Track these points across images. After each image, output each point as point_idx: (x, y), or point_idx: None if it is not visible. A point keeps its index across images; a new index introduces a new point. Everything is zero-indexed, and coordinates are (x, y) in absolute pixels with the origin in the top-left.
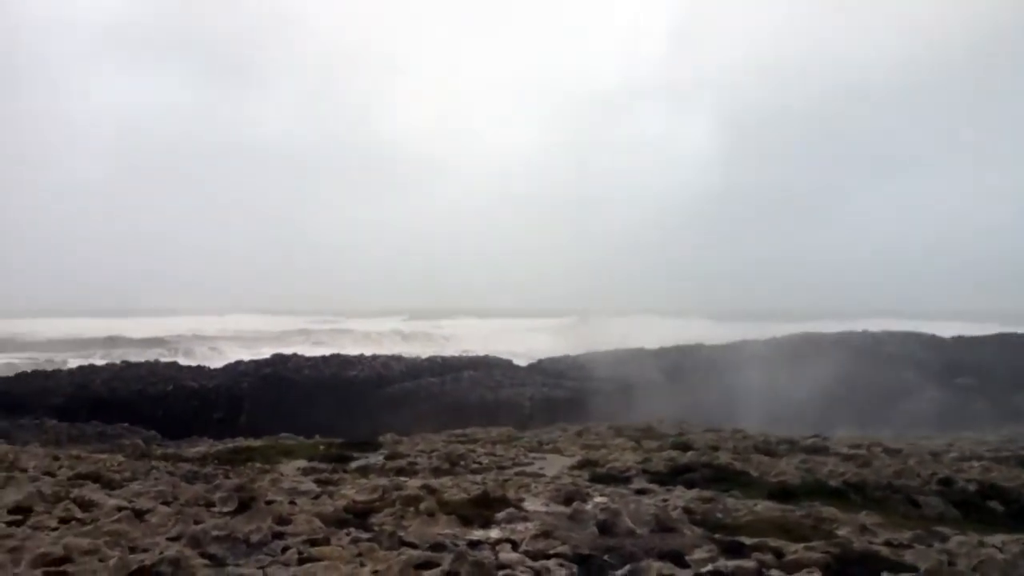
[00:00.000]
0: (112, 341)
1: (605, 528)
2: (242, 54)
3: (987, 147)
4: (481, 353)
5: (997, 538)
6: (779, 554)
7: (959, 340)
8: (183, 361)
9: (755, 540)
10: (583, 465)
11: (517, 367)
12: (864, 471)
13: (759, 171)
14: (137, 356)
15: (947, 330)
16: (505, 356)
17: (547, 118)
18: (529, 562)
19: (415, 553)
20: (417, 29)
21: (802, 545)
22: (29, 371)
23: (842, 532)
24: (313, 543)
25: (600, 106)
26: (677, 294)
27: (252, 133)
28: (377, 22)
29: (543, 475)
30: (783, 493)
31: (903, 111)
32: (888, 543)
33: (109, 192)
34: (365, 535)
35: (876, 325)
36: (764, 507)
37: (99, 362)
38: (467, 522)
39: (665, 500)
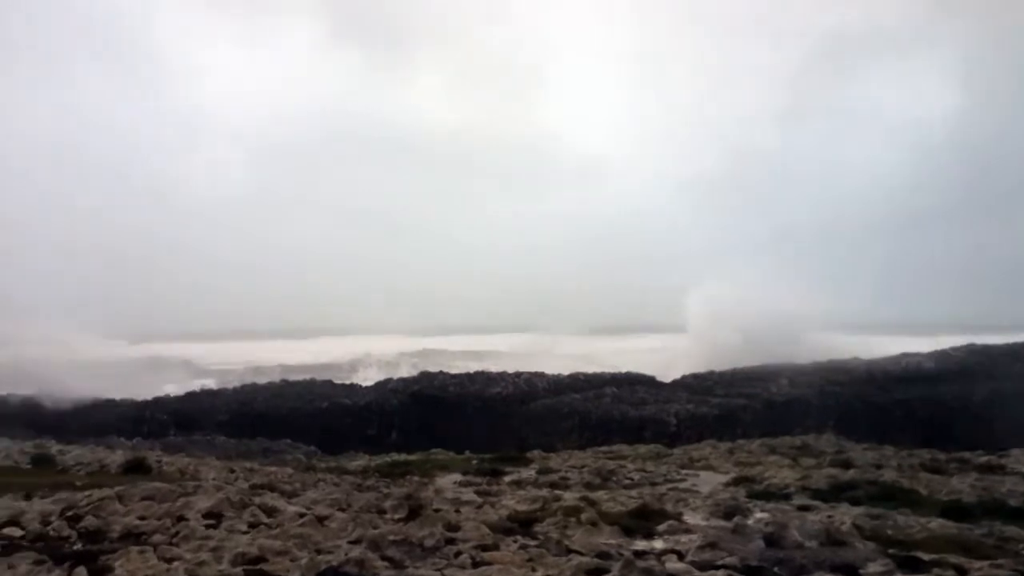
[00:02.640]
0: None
1: (772, 541)
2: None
3: None
4: (622, 370)
5: None
6: (961, 570)
7: None
8: (337, 380)
9: (933, 556)
10: (738, 482)
11: (660, 383)
12: None
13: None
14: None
15: None
16: (648, 373)
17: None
18: (697, 572)
19: (584, 559)
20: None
21: (987, 563)
22: (197, 390)
23: None
24: (484, 548)
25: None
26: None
27: (393, 119)
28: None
29: (698, 491)
30: (958, 512)
31: None
32: None
33: (243, 203)
34: (532, 542)
35: None
36: (938, 524)
37: (261, 381)
38: (629, 532)
39: (831, 516)
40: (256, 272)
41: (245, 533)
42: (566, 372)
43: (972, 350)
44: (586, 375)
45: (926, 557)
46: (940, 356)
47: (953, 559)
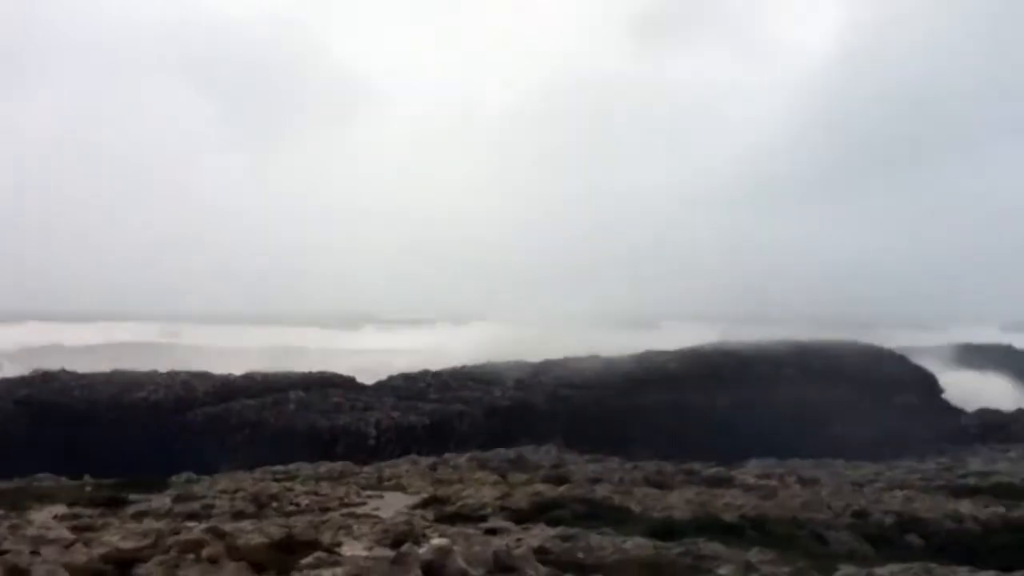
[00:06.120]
0: None
1: (431, 571)
2: None
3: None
4: (315, 369)
5: (887, 568)
6: None
7: (899, 350)
8: None
9: None
10: (428, 503)
11: (362, 386)
12: (766, 504)
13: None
14: None
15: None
16: (347, 372)
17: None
18: None
19: None
20: None
21: None
22: None
23: (723, 571)
24: None
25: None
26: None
27: None
28: None
29: (377, 516)
30: (665, 530)
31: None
32: None
33: None
34: None
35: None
36: (635, 544)
37: None
38: (261, 570)
39: (519, 539)
40: None
41: None
42: (238, 372)
43: (720, 350)
44: (265, 375)
45: None
46: (685, 356)
47: None
